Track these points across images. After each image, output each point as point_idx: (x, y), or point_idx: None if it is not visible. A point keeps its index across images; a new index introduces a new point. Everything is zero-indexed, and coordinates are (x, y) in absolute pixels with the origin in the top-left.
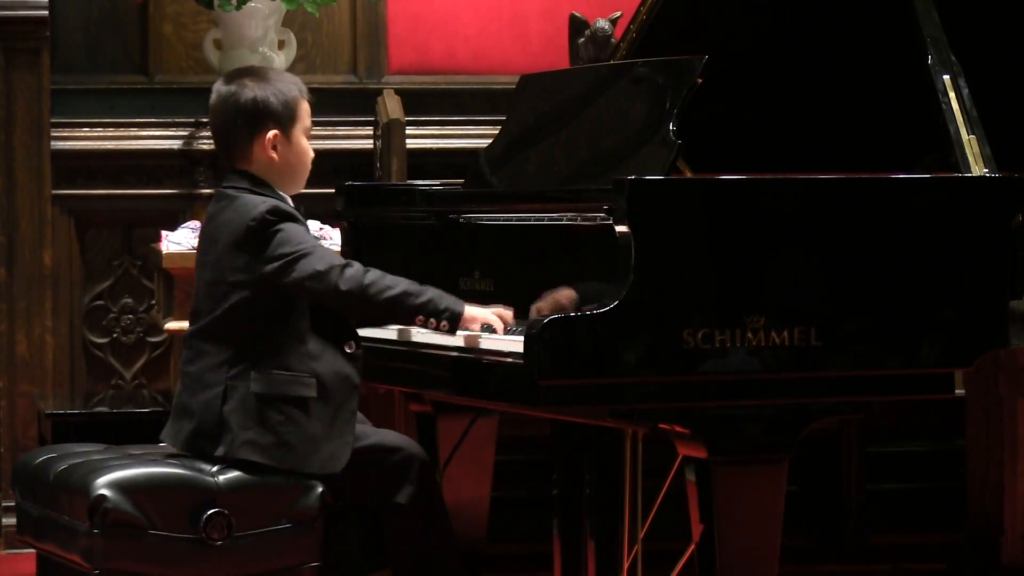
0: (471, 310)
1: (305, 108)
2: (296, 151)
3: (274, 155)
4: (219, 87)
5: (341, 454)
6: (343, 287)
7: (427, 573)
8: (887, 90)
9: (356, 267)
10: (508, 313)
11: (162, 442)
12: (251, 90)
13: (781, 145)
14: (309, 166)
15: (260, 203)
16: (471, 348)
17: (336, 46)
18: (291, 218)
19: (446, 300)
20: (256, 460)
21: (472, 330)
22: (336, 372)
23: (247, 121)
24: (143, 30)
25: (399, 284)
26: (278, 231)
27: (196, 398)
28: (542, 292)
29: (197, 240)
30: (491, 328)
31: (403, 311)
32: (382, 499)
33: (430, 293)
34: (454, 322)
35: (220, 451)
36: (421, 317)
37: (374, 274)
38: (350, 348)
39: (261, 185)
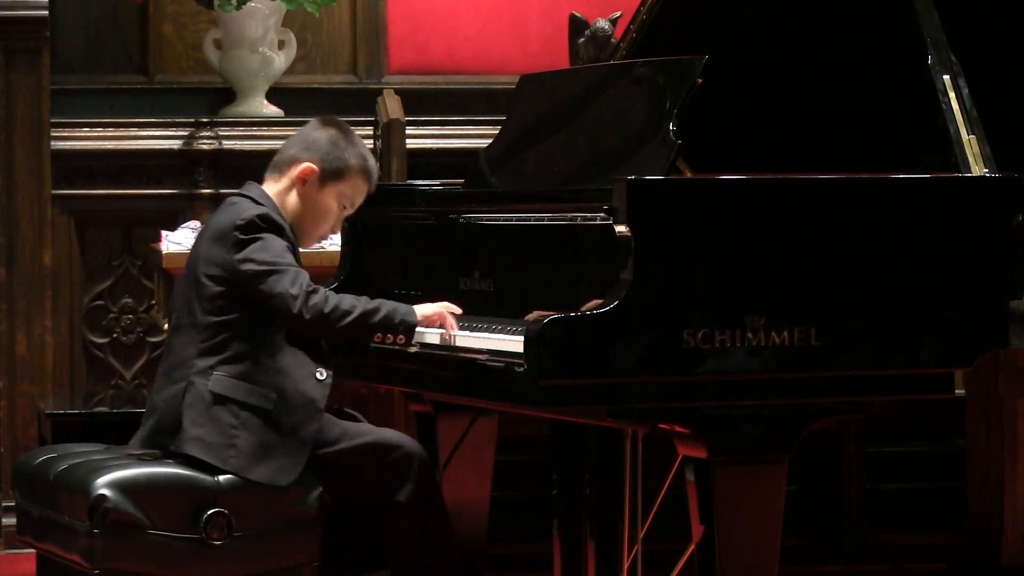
0: (422, 311)
1: (355, 183)
2: (319, 203)
3: (299, 188)
4: (316, 118)
5: (289, 470)
6: (306, 315)
7: (427, 572)
8: (887, 90)
9: (320, 294)
10: (455, 310)
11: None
12: (325, 132)
13: (781, 145)
14: (322, 231)
15: (254, 208)
16: (472, 348)
17: (336, 46)
18: (278, 229)
19: (399, 314)
20: (200, 458)
21: (432, 327)
22: (301, 394)
23: (301, 145)
24: (143, 30)
25: (356, 307)
26: (260, 237)
27: (161, 395)
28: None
29: None
30: (486, 325)
31: (362, 332)
32: (382, 497)
33: (384, 310)
34: (409, 334)
35: (173, 446)
36: (379, 336)
37: (334, 300)
38: (321, 375)
39: (267, 201)
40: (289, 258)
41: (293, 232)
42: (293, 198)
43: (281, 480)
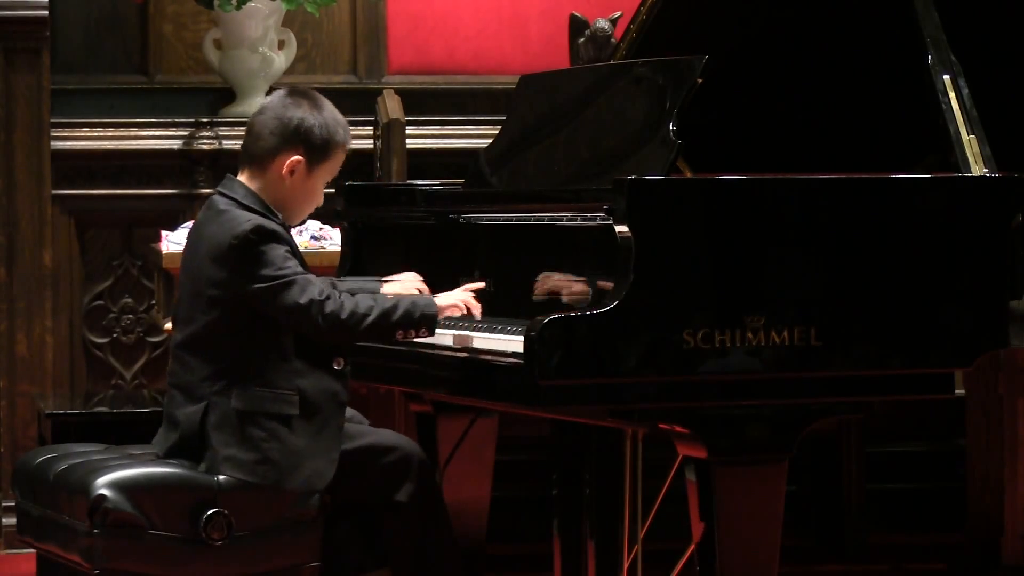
0: (440, 301)
1: (339, 157)
2: (309, 188)
3: (288, 179)
4: (276, 92)
5: (325, 470)
6: (323, 324)
7: (427, 572)
8: (887, 90)
9: (334, 300)
10: (478, 285)
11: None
12: (303, 111)
13: (781, 145)
14: (311, 210)
15: (245, 220)
16: (471, 348)
17: (336, 46)
18: (275, 238)
19: (418, 308)
20: (238, 477)
21: (450, 315)
22: (322, 389)
23: (282, 134)
24: (143, 30)
25: (374, 308)
26: (260, 252)
27: (181, 410)
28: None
29: None
30: (487, 325)
31: (384, 333)
32: (381, 498)
33: (403, 306)
34: (431, 327)
35: (202, 467)
36: (401, 332)
37: (350, 304)
38: (338, 365)
39: (254, 201)
40: (292, 265)
41: (281, 214)
42: (281, 189)
43: (319, 484)
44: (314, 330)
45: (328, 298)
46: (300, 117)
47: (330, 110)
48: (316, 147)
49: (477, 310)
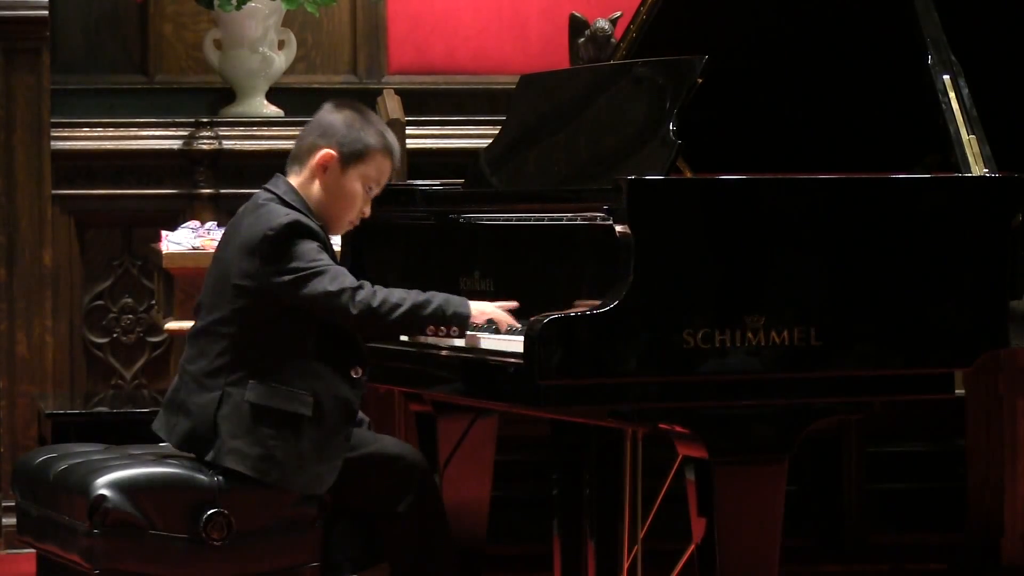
0: (476, 307)
1: (378, 162)
2: (344, 188)
3: (320, 176)
4: (327, 103)
5: (327, 477)
6: (354, 311)
7: None
8: (887, 90)
9: (367, 289)
10: (511, 305)
11: (156, 434)
12: (340, 115)
13: (781, 145)
14: (350, 215)
15: (283, 215)
16: (472, 348)
17: (336, 46)
18: (309, 234)
19: (452, 305)
20: (240, 470)
21: (479, 325)
22: (336, 396)
23: (318, 132)
24: (143, 30)
25: (406, 299)
26: (293, 245)
27: (193, 398)
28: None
29: (198, 240)
30: (494, 326)
31: (414, 326)
32: (382, 507)
33: (436, 301)
34: (463, 325)
35: (210, 456)
36: (432, 327)
37: (383, 293)
38: (356, 373)
39: (296, 199)
40: (324, 258)
41: (322, 220)
42: (316, 187)
43: (318, 488)
44: (346, 317)
45: (361, 287)
46: (337, 118)
47: (373, 119)
48: (348, 145)
49: (507, 324)
